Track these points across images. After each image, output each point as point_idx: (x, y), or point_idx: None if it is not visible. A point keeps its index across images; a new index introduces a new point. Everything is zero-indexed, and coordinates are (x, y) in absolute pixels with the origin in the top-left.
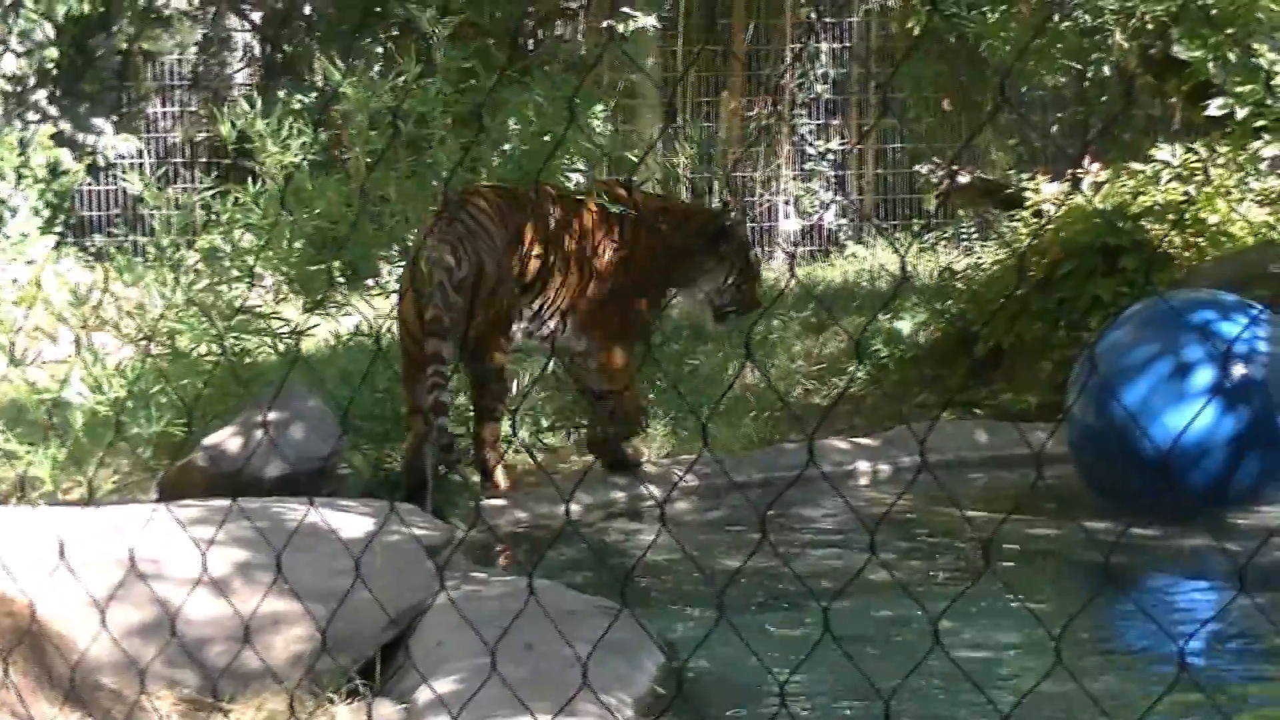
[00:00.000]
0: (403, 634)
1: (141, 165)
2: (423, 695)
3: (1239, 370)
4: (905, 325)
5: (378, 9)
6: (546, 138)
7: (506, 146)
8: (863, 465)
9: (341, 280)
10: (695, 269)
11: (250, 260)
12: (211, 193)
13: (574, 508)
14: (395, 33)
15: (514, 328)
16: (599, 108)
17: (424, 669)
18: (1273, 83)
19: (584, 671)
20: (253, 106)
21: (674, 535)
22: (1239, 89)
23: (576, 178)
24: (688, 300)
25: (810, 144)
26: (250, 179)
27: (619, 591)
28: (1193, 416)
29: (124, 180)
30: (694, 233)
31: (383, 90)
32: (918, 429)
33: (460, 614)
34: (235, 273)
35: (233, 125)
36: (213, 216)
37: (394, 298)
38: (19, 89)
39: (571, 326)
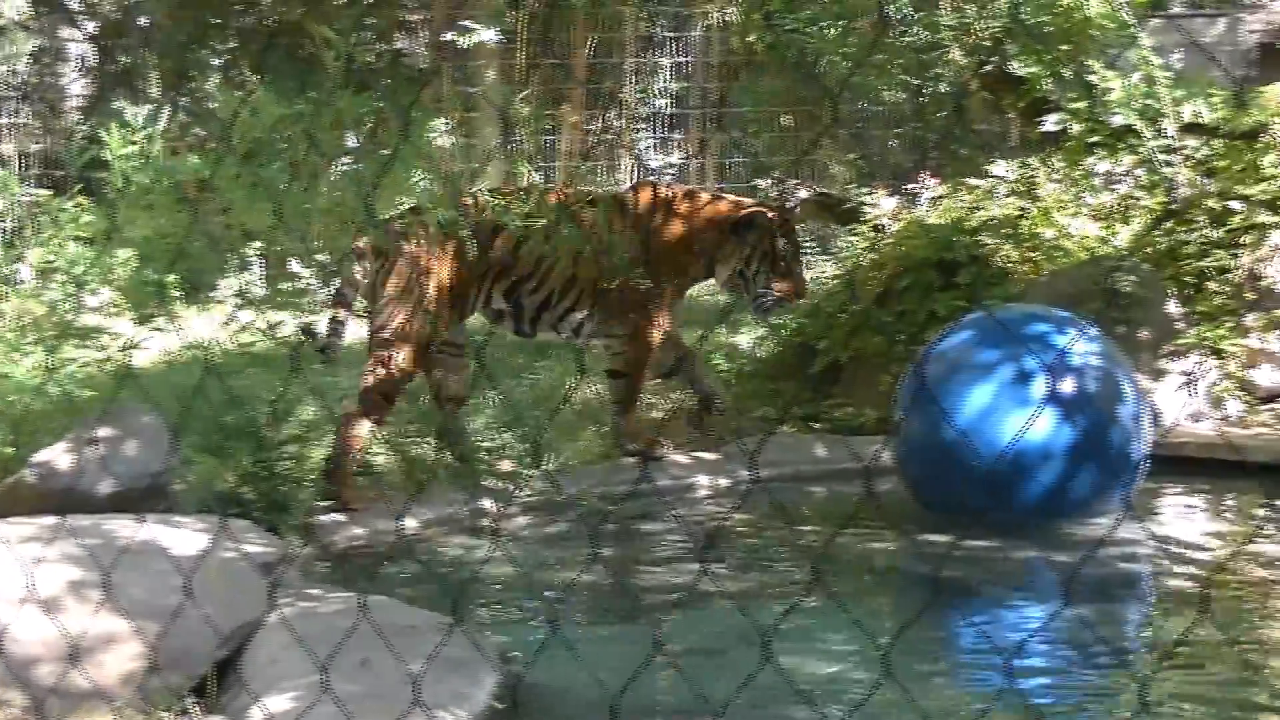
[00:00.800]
0: (237, 652)
1: None
2: (256, 714)
3: (1069, 384)
4: (744, 339)
5: (215, 20)
6: (385, 151)
7: (346, 160)
8: (703, 479)
9: (177, 294)
10: (722, 260)
11: (79, 271)
12: (44, 204)
13: (413, 523)
14: (234, 44)
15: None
16: (439, 121)
17: (257, 687)
18: (1106, 99)
19: (416, 688)
20: (89, 118)
21: (504, 549)
22: (1073, 105)
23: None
24: (727, 291)
25: (651, 158)
26: (88, 192)
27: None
28: (1021, 428)
29: None
30: (718, 224)
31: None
32: (749, 444)
33: (292, 632)
34: (67, 287)
35: (85, 139)
36: (42, 228)
37: (228, 310)
38: None
39: (598, 318)
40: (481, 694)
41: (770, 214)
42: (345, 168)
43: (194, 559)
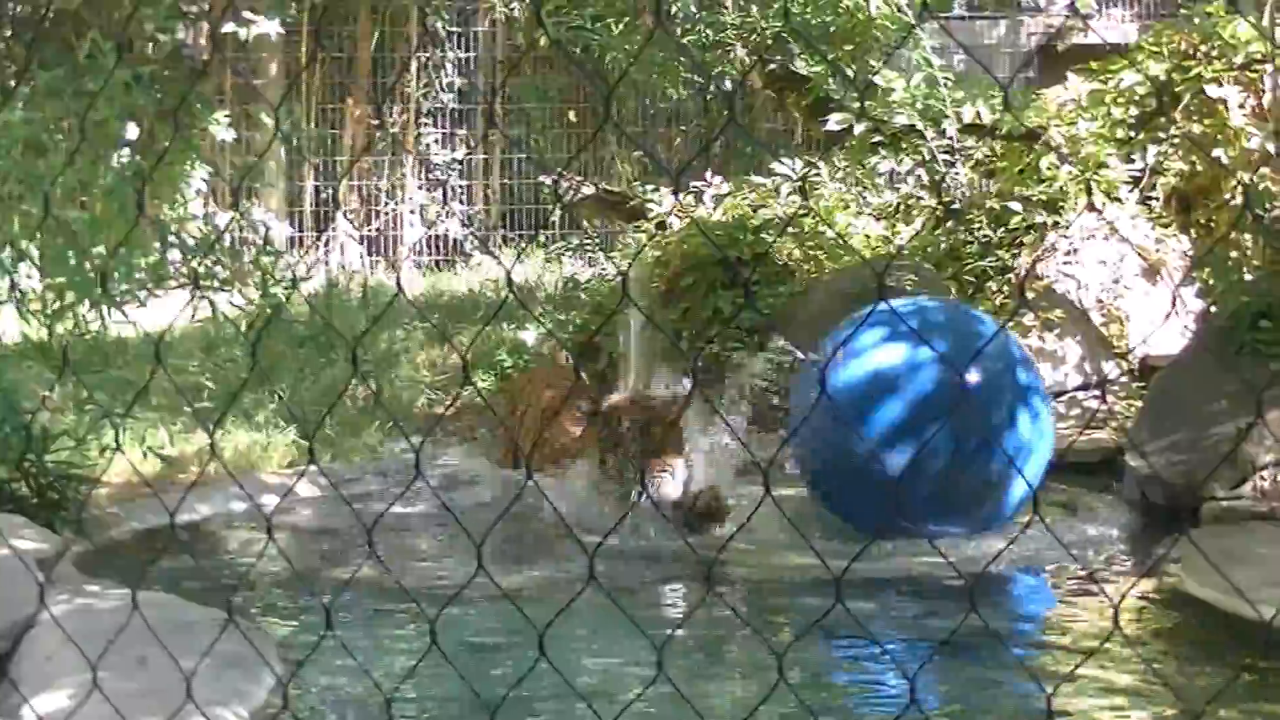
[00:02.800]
0: (10, 649)
1: None
2: (28, 714)
3: (971, 378)
4: (529, 335)
5: None
6: (165, 144)
7: (124, 154)
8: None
9: None
10: None
11: None
12: None
13: (192, 517)
14: (7, 33)
15: None
16: (219, 115)
17: (32, 685)
18: (888, 99)
19: (188, 685)
20: None
21: (279, 546)
22: (856, 105)
23: (197, 184)
24: None
25: (436, 153)
26: None
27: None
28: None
29: None
30: None
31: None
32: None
33: (63, 630)
34: None
35: None
36: None
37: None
38: None
39: None
40: (260, 690)
41: None
42: (124, 160)
43: None
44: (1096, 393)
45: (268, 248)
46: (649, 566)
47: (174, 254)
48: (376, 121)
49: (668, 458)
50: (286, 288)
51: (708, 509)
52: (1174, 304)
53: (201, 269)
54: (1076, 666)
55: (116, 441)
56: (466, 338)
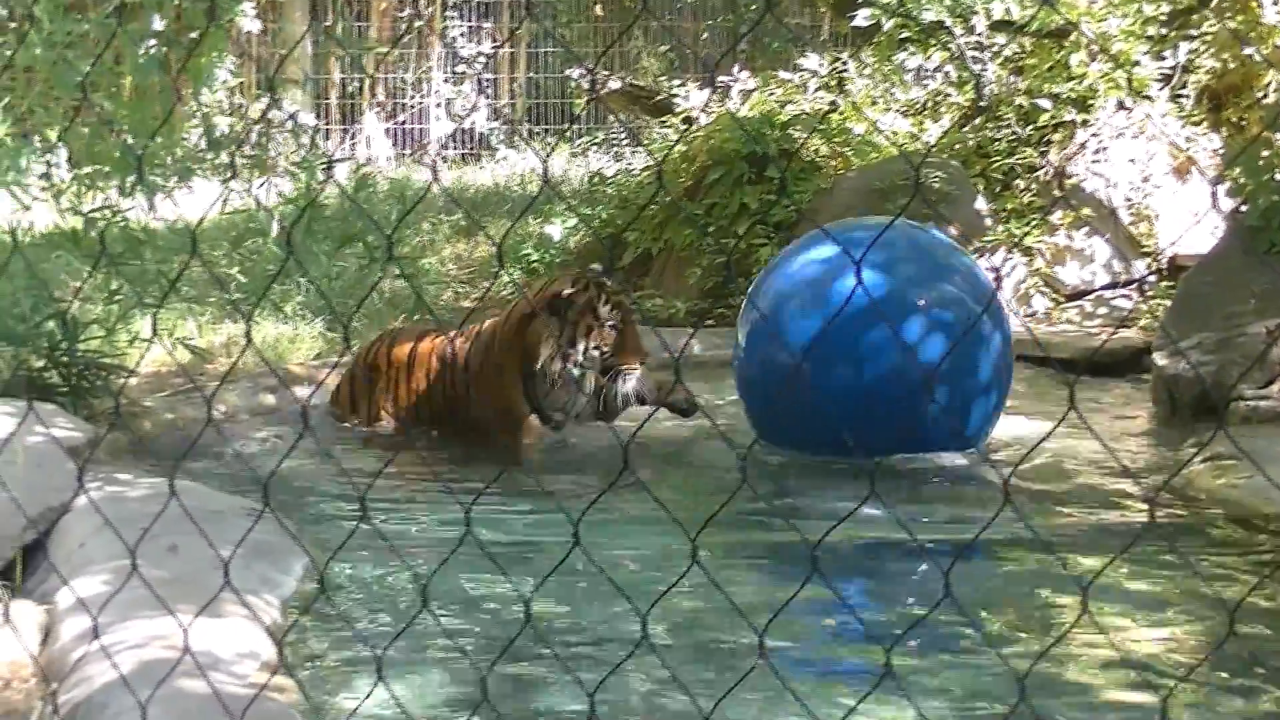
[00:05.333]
0: (44, 536)
1: None
2: (64, 597)
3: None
4: (555, 230)
5: None
6: (194, 34)
7: (152, 43)
8: None
9: None
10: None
11: None
12: None
13: (222, 409)
14: None
15: None
16: (246, 5)
17: (65, 571)
18: None
19: (225, 571)
20: None
21: (316, 439)
22: (884, 1)
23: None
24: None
25: (462, 46)
26: None
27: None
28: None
29: None
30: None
31: None
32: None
33: (102, 515)
34: None
35: None
36: None
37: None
38: None
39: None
40: (289, 580)
41: (573, 290)
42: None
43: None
44: (1124, 291)
45: (300, 138)
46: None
47: (204, 144)
48: (403, 14)
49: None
50: (319, 179)
51: (674, 405)
52: (1213, 203)
53: (234, 159)
54: (1110, 561)
55: (154, 329)
56: (493, 233)
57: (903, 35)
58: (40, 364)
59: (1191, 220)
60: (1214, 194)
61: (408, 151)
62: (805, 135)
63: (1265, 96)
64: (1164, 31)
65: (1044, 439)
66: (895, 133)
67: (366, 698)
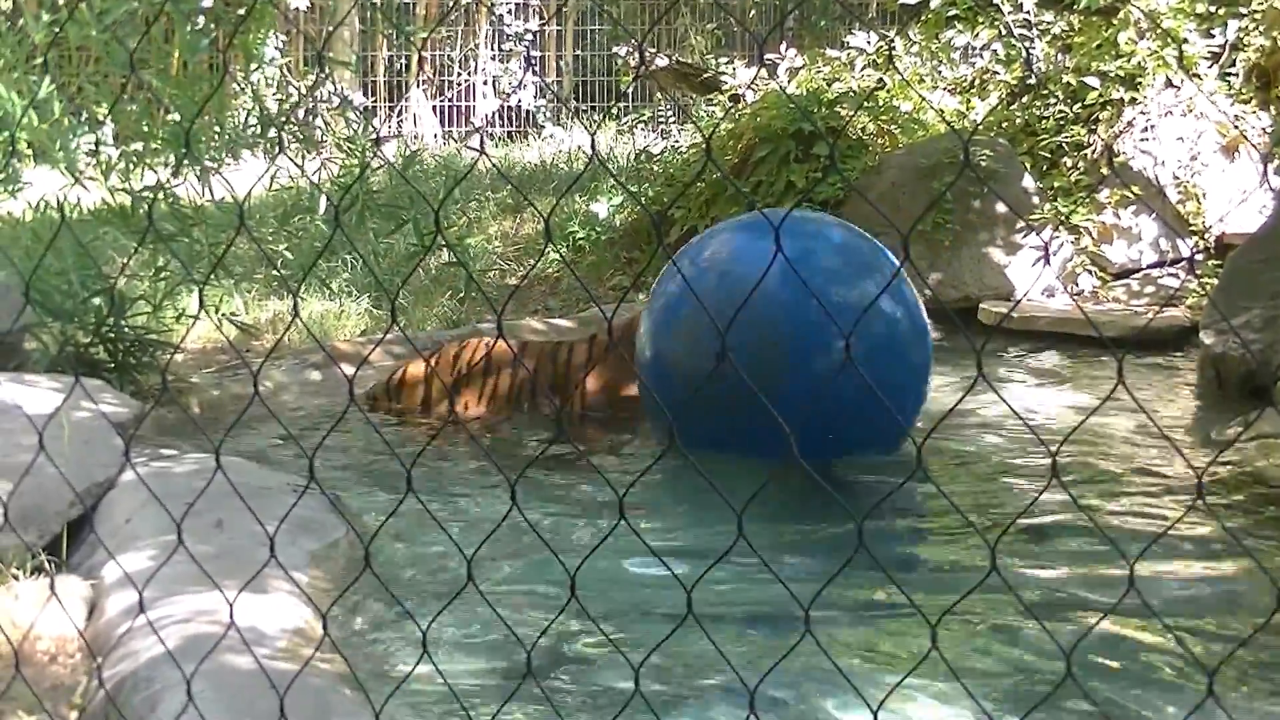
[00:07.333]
0: (91, 510)
1: None
2: (110, 571)
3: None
4: (601, 208)
5: None
6: (241, 11)
7: (200, 19)
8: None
9: (29, 153)
10: None
11: None
12: None
13: (268, 385)
14: None
15: None
16: None
17: (112, 545)
18: None
19: (271, 546)
20: None
21: (362, 409)
22: None
23: (271, 53)
24: None
25: (509, 23)
26: None
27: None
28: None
29: None
30: None
31: None
32: (608, 310)
33: (149, 490)
34: None
35: None
36: None
37: (79, 168)
38: None
39: None
40: (337, 555)
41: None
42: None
43: (47, 417)
44: (1171, 270)
45: (349, 115)
46: None
47: (253, 120)
48: None
49: None
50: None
51: None
52: (1262, 180)
53: (281, 135)
54: (1160, 535)
55: (200, 305)
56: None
57: (950, 13)
58: (87, 340)
59: (1240, 198)
60: (1263, 172)
61: (454, 129)
62: (852, 113)
63: None
64: (1213, 9)
65: (1092, 413)
66: (943, 110)
67: (411, 671)
